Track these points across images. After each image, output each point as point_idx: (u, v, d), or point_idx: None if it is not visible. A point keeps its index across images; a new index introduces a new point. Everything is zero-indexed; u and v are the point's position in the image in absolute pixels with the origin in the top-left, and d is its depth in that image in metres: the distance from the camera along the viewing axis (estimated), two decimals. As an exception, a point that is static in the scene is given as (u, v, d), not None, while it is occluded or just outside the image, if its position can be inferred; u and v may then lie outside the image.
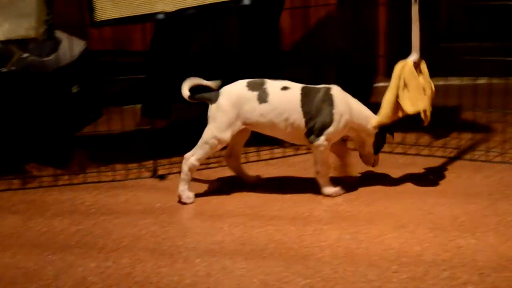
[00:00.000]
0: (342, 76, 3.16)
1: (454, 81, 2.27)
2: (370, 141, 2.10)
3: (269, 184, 2.19)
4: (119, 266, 1.70)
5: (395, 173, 2.25)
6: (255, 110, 2.04)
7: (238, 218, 1.96)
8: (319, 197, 2.09)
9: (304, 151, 2.52)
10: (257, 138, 2.23)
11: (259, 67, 2.49)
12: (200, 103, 2.10)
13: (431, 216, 1.93)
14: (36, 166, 2.44)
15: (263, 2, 2.38)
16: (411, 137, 2.50)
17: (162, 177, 2.32)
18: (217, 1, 2.16)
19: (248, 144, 2.19)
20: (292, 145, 2.53)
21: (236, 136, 2.08)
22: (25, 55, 2.52)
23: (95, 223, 1.97)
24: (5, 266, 1.72)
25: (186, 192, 2.07)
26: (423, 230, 1.83)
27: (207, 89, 2.09)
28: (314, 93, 2.05)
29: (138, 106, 2.72)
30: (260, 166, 2.37)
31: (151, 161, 2.37)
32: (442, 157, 2.40)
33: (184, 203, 2.07)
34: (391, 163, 2.36)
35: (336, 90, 2.05)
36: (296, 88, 2.06)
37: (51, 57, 2.56)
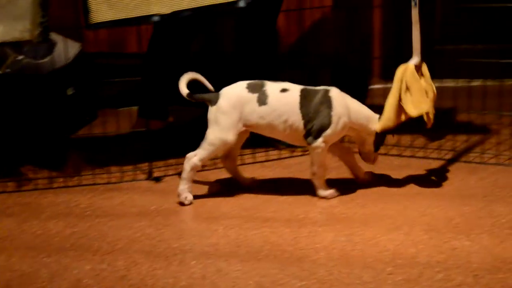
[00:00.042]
0: (337, 78, 3.17)
1: (449, 83, 2.28)
2: (370, 139, 2.10)
3: (264, 186, 2.19)
4: (114, 269, 1.69)
5: (390, 175, 2.25)
6: (255, 112, 2.04)
7: (234, 220, 1.96)
8: (314, 199, 2.09)
9: (299, 153, 2.52)
10: (252, 140, 2.23)
11: (255, 69, 2.49)
12: (197, 104, 2.10)
13: (426, 218, 1.93)
14: (31, 168, 2.44)
15: (260, 5, 2.38)
16: (406, 139, 2.51)
17: (157, 179, 2.32)
18: (212, 3, 2.16)
19: (243, 146, 2.19)
20: (287, 147, 2.54)
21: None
22: (20, 57, 2.51)
23: (90, 225, 1.96)
24: (0, 269, 1.71)
25: (185, 192, 2.07)
26: (418, 232, 1.84)
27: (206, 89, 2.09)
28: (313, 95, 2.05)
29: (134, 108, 2.72)
30: (256, 168, 2.37)
31: (146, 164, 2.37)
32: (437, 159, 2.41)
33: (182, 204, 2.06)
34: (386, 165, 2.37)
35: (334, 92, 2.05)
36: (295, 90, 2.06)
37: (46, 59, 2.55)
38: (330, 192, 2.09)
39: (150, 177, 2.33)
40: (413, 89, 2.04)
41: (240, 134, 2.08)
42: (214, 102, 2.05)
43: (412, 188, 2.16)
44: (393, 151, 2.50)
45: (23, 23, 2.06)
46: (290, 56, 3.24)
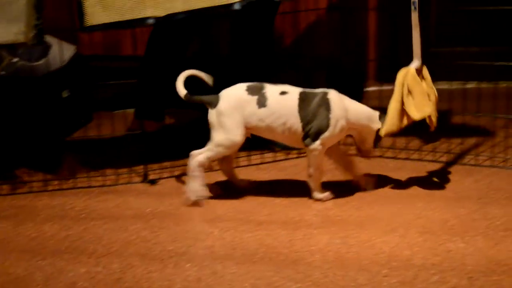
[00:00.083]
0: (333, 80, 3.17)
1: (444, 85, 2.29)
2: (371, 138, 2.10)
3: (259, 189, 2.19)
4: (109, 272, 1.69)
5: (385, 177, 2.26)
6: (254, 114, 2.04)
7: (229, 222, 1.96)
8: (310, 201, 2.09)
9: (294, 156, 2.53)
10: (247, 143, 2.23)
11: (251, 72, 2.49)
12: (194, 106, 2.09)
13: (421, 220, 1.93)
14: (26, 171, 2.43)
15: (256, 8, 2.38)
16: (401, 141, 2.51)
17: (152, 182, 2.32)
18: (206, 5, 2.16)
19: (239, 148, 2.19)
20: (283, 149, 2.54)
21: None
22: (15, 59, 2.51)
23: (85, 228, 1.96)
24: (-5, 272, 1.71)
25: (195, 190, 2.05)
26: (413, 234, 1.84)
27: (206, 91, 2.08)
28: (311, 98, 2.05)
29: (129, 110, 2.72)
30: (251, 171, 2.37)
31: (141, 166, 2.37)
32: (432, 161, 2.41)
33: (193, 202, 2.06)
34: (381, 167, 2.37)
35: (333, 95, 2.05)
36: (294, 92, 2.06)
37: (41, 61, 2.55)
38: (325, 195, 2.09)
39: (145, 179, 2.33)
40: (415, 92, 2.04)
41: None
42: (213, 104, 2.05)
43: (407, 190, 2.17)
44: (388, 154, 2.50)
45: (18, 25, 2.06)
46: (285, 58, 3.24)
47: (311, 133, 2.03)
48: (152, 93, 2.56)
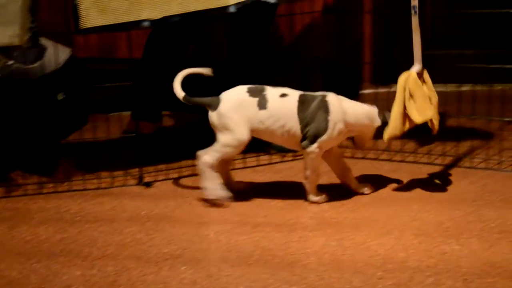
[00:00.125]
0: (329, 83, 3.18)
1: (439, 88, 2.29)
2: (370, 135, 2.09)
3: (255, 191, 2.19)
4: (104, 274, 1.69)
5: (381, 180, 2.26)
6: (255, 116, 2.04)
7: (224, 225, 1.96)
8: (305, 203, 2.09)
9: (290, 158, 2.53)
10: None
11: (248, 75, 2.49)
12: (191, 109, 2.09)
13: (416, 223, 1.94)
14: (21, 174, 2.43)
15: (252, 10, 2.39)
16: (396, 143, 2.51)
17: (148, 185, 2.31)
18: (202, 8, 2.17)
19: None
20: (278, 152, 2.54)
21: None
22: (10, 62, 2.50)
23: (80, 231, 1.96)
24: (-11, 275, 1.71)
25: (212, 189, 2.05)
26: (408, 237, 1.84)
27: (205, 93, 2.08)
28: (310, 100, 2.05)
29: (124, 113, 2.71)
30: (246, 173, 2.38)
31: (137, 169, 2.36)
32: (427, 163, 2.42)
33: (214, 202, 2.05)
34: (376, 170, 2.38)
35: (331, 98, 2.05)
36: (294, 95, 2.06)
37: (36, 64, 2.54)
38: (320, 197, 2.09)
39: (140, 182, 2.33)
40: (416, 96, 2.05)
41: None
42: (214, 107, 2.05)
43: (402, 192, 2.17)
44: (383, 156, 2.51)
45: (13, 28, 2.05)
46: (281, 60, 3.25)
47: (308, 136, 2.03)
48: (149, 94, 2.56)
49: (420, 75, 2.08)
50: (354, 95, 3.23)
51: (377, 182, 2.23)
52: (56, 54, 2.53)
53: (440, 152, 2.48)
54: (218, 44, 3.18)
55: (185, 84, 2.09)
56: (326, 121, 2.02)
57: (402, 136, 2.08)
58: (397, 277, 1.62)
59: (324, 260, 1.72)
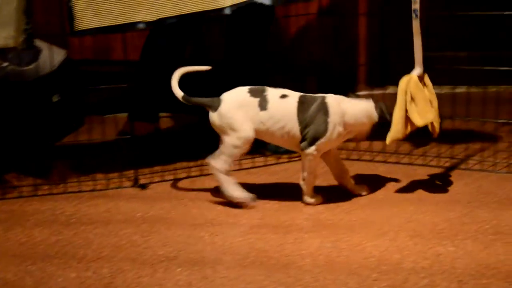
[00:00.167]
0: (324, 84, 3.18)
1: (433, 90, 2.29)
2: (369, 128, 2.09)
3: (250, 193, 2.19)
4: (100, 276, 1.69)
5: (376, 181, 2.27)
6: (256, 117, 2.03)
7: (219, 227, 1.96)
8: (301, 205, 2.09)
9: (285, 160, 2.53)
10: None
11: (245, 77, 2.49)
12: (189, 111, 2.09)
13: (411, 224, 1.94)
14: (16, 176, 2.42)
15: (248, 12, 2.39)
16: (391, 145, 2.51)
17: (143, 187, 2.31)
18: (197, 10, 2.17)
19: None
20: (273, 153, 2.55)
21: None
22: (5, 64, 2.50)
23: (75, 233, 1.96)
24: (-16, 277, 1.70)
25: (234, 192, 2.05)
26: (403, 238, 1.84)
27: (205, 93, 2.08)
28: (310, 102, 2.04)
29: (119, 115, 2.71)
30: (242, 175, 2.37)
31: (132, 171, 2.36)
32: (422, 165, 2.43)
33: (241, 205, 2.05)
34: (371, 171, 2.38)
35: (331, 100, 2.05)
36: (294, 96, 2.06)
37: (31, 66, 2.54)
38: (315, 199, 2.09)
39: (136, 184, 2.33)
40: (417, 99, 2.05)
41: None
42: (215, 107, 2.04)
43: (397, 194, 2.17)
44: (378, 158, 2.51)
45: (7, 30, 2.05)
46: (276, 62, 3.25)
47: (307, 137, 2.03)
48: (147, 95, 2.57)
49: (421, 78, 2.09)
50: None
51: (373, 183, 2.24)
52: (51, 56, 2.52)
53: (435, 153, 2.48)
54: (215, 46, 3.18)
55: (182, 85, 2.09)
56: (326, 123, 2.02)
57: (404, 139, 2.09)
58: (392, 279, 1.62)
59: (319, 262, 1.72)
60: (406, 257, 1.73)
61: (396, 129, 2.06)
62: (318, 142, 2.02)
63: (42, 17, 2.37)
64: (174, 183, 2.33)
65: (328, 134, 2.02)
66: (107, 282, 1.66)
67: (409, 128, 2.07)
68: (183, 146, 2.74)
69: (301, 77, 3.24)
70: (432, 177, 2.31)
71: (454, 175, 2.31)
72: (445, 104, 2.53)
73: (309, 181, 2.07)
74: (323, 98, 2.05)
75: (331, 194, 2.14)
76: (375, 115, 2.07)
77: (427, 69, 2.13)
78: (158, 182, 2.35)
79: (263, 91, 2.06)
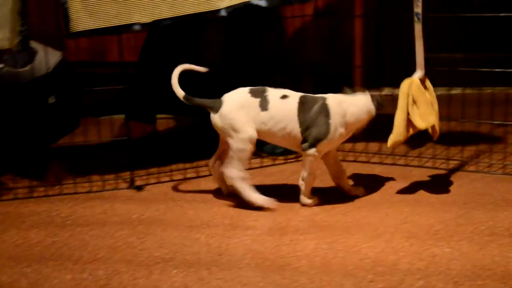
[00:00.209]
0: (320, 86, 3.18)
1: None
2: (367, 121, 2.09)
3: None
4: (95, 278, 1.69)
5: (372, 183, 2.27)
6: (257, 117, 2.03)
7: (215, 228, 1.96)
8: (297, 206, 2.09)
9: (281, 162, 2.53)
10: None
11: (243, 79, 2.49)
12: (187, 113, 2.09)
13: (407, 225, 1.94)
14: (12, 177, 2.42)
15: (245, 14, 2.39)
16: (387, 147, 2.52)
17: (139, 188, 2.31)
18: (193, 12, 2.17)
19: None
20: (269, 155, 2.55)
21: (227, 142, 2.07)
22: (0, 66, 2.50)
23: (71, 234, 1.95)
24: (-21, 279, 1.70)
25: (256, 196, 2.05)
26: (399, 239, 1.85)
27: (204, 94, 2.08)
28: (311, 103, 2.04)
29: (115, 116, 2.71)
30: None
31: (128, 172, 2.36)
32: (418, 166, 2.43)
33: (263, 207, 2.05)
34: (367, 173, 2.38)
35: (332, 101, 2.04)
36: (294, 97, 2.06)
37: (27, 67, 2.54)
38: (312, 200, 2.10)
39: (132, 185, 2.33)
40: (419, 102, 2.06)
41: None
42: (216, 109, 2.04)
43: (393, 195, 2.18)
44: (374, 159, 2.52)
45: (2, 31, 2.05)
46: (272, 64, 3.26)
47: (309, 139, 2.03)
48: (145, 96, 2.57)
49: (422, 81, 2.10)
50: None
51: (368, 185, 2.24)
52: (46, 58, 2.52)
53: (431, 155, 2.49)
54: (212, 48, 3.18)
55: (180, 86, 2.08)
56: (328, 125, 2.01)
57: (405, 141, 2.10)
58: (388, 280, 1.62)
59: (315, 263, 1.73)
60: (402, 258, 1.73)
61: (398, 132, 2.07)
62: (320, 144, 2.02)
63: (37, 19, 2.37)
64: (170, 185, 2.33)
65: (330, 136, 2.02)
66: (102, 284, 1.65)
67: (410, 131, 2.08)
68: (179, 147, 2.74)
69: (298, 77, 3.25)
70: (428, 178, 2.32)
71: (450, 177, 2.32)
72: (440, 106, 2.53)
73: (309, 182, 2.07)
74: (324, 99, 2.05)
75: (327, 196, 2.14)
76: (373, 109, 2.07)
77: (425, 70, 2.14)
78: (154, 183, 2.35)
79: (264, 91, 2.05)
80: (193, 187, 2.30)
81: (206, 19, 2.24)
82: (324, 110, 2.03)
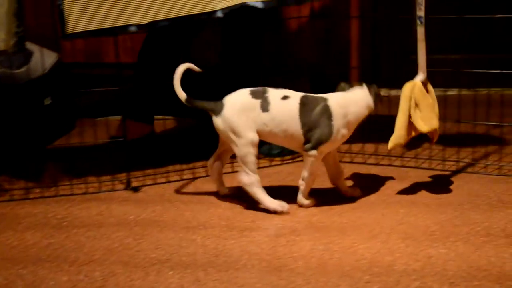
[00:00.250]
0: (316, 87, 3.18)
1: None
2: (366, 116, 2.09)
3: (242, 195, 2.19)
4: (91, 280, 1.68)
5: (368, 184, 2.27)
6: (259, 118, 2.03)
7: (212, 229, 1.96)
8: (293, 207, 2.09)
9: (278, 163, 2.54)
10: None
11: (241, 80, 2.49)
12: (187, 114, 2.08)
13: (403, 226, 1.95)
14: (8, 179, 2.41)
15: (241, 15, 2.39)
16: (383, 148, 2.52)
17: (135, 189, 2.31)
18: (189, 13, 2.17)
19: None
20: (266, 156, 2.55)
21: (227, 143, 2.07)
22: (-4, 67, 2.49)
23: (67, 236, 1.95)
24: (-25, 281, 1.70)
25: (270, 201, 2.05)
26: (395, 240, 1.85)
27: (201, 96, 2.07)
28: (312, 104, 2.04)
29: (111, 118, 2.71)
30: (235, 178, 2.37)
31: (124, 173, 2.36)
32: (414, 167, 2.43)
33: (277, 211, 2.05)
34: (363, 174, 2.39)
35: (333, 102, 2.04)
36: (295, 98, 2.05)
37: (23, 69, 2.54)
38: (309, 201, 2.10)
39: (128, 187, 2.33)
40: (422, 105, 2.07)
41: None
42: (217, 111, 2.03)
43: (389, 196, 2.18)
44: (370, 160, 2.52)
45: (-2, 33, 2.05)
46: (268, 65, 3.26)
47: (312, 140, 2.02)
48: (144, 97, 2.57)
49: (424, 84, 2.10)
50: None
51: (365, 186, 2.24)
52: (42, 59, 2.52)
53: (427, 156, 2.49)
54: (209, 49, 3.18)
55: (185, 88, 2.08)
56: (330, 127, 2.01)
57: (406, 144, 2.10)
58: (384, 281, 1.63)
59: (312, 264, 1.73)
60: (398, 259, 1.74)
61: (399, 135, 2.07)
62: (322, 146, 2.02)
63: (33, 20, 2.37)
64: (167, 186, 2.33)
65: (332, 137, 2.02)
66: (99, 286, 1.65)
67: (412, 134, 2.09)
68: (176, 149, 2.74)
69: (293, 80, 3.25)
70: (424, 179, 2.32)
71: (446, 178, 2.32)
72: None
73: (309, 182, 2.08)
74: (326, 100, 2.04)
75: (324, 197, 2.14)
76: (371, 102, 2.06)
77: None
78: (150, 185, 2.35)
79: (265, 92, 2.05)
80: (189, 189, 2.30)
81: (203, 21, 2.24)
82: (326, 112, 2.02)
